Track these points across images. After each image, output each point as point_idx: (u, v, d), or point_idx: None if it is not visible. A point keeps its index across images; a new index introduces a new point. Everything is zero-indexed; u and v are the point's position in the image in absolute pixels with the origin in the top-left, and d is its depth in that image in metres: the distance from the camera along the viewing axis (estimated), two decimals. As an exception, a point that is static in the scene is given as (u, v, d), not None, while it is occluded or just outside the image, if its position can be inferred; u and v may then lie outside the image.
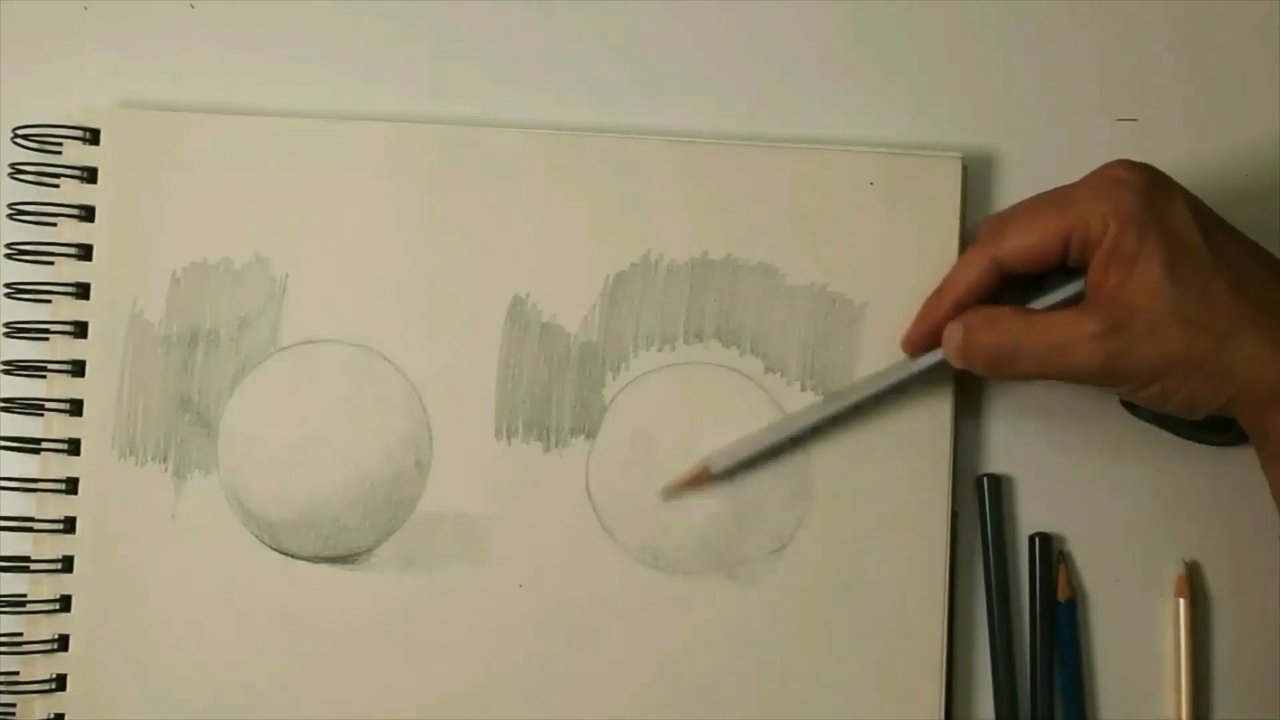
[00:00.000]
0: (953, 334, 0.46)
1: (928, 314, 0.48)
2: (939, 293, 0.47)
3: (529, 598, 0.49)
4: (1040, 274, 0.45)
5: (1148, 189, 0.43)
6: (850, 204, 0.50)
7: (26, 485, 0.50)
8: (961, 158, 0.50)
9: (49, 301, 0.50)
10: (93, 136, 0.51)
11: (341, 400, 0.50)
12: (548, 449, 0.50)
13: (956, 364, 0.46)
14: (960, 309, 0.46)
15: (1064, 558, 0.50)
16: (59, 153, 0.50)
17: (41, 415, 0.50)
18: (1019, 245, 0.44)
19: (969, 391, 0.50)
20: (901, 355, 0.49)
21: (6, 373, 0.50)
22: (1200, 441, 0.50)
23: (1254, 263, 0.43)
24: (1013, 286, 0.46)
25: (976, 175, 0.51)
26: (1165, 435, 0.50)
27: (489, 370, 0.50)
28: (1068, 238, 0.44)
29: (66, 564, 0.49)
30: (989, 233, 0.46)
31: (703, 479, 0.49)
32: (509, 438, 0.50)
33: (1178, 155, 0.51)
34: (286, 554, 0.49)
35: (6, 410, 0.50)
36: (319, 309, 0.50)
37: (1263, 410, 0.42)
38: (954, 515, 0.49)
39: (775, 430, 0.49)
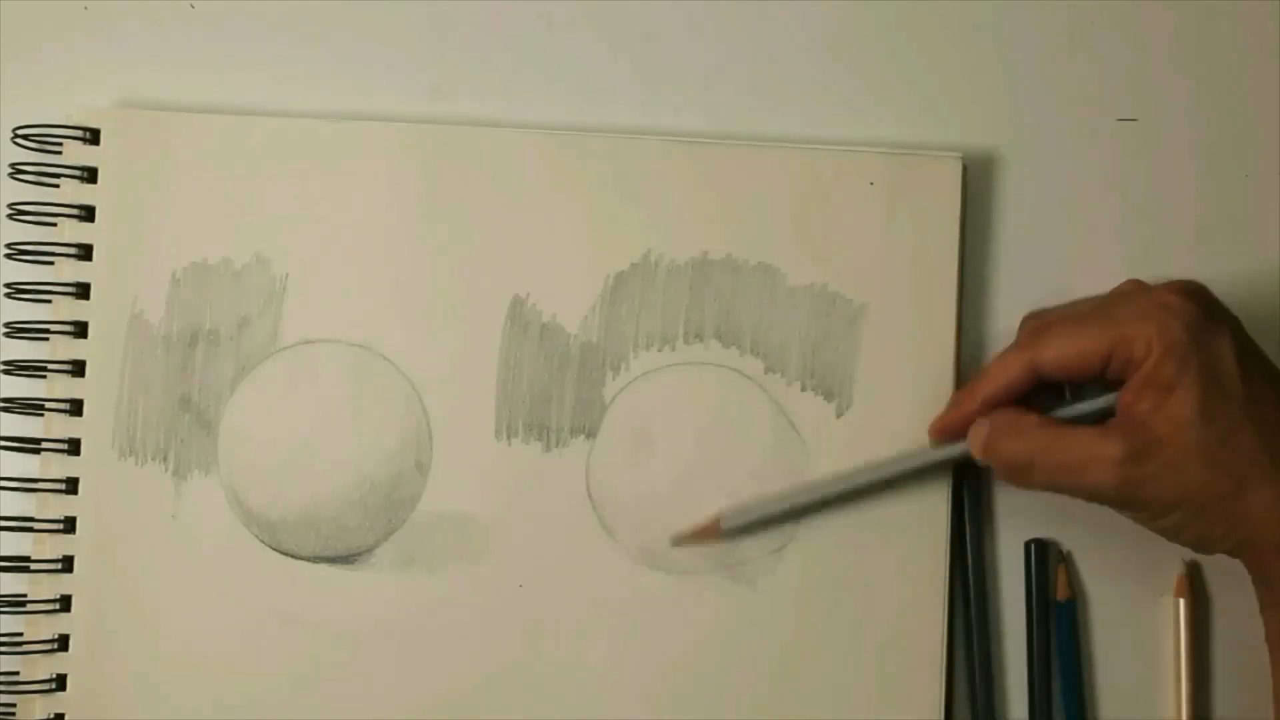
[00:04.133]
0: (977, 434, 0.45)
1: (958, 407, 0.47)
2: (972, 386, 0.46)
3: (529, 598, 0.49)
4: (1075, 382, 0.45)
5: (1196, 320, 0.42)
6: (850, 204, 0.50)
7: (26, 485, 0.50)
8: (962, 158, 0.50)
9: (49, 301, 0.50)
10: (93, 136, 0.51)
11: (341, 400, 0.50)
12: (548, 449, 0.50)
13: (980, 461, 0.46)
14: (990, 407, 0.46)
15: (1065, 558, 0.50)
16: (59, 153, 0.50)
17: (41, 415, 0.50)
18: (1060, 355, 0.44)
19: (969, 391, 0.50)
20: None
21: (6, 373, 0.50)
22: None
23: None
24: (1045, 385, 0.45)
25: (977, 175, 0.51)
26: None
27: (489, 370, 0.50)
28: (1110, 354, 0.43)
29: (66, 564, 0.49)
30: (1030, 335, 0.45)
31: (712, 532, 0.49)
32: (509, 438, 0.50)
33: (1178, 155, 0.51)
34: (286, 554, 0.49)
35: (6, 410, 0.50)
36: (319, 309, 0.50)
37: (1268, 558, 0.43)
38: (954, 515, 0.49)
39: (791, 497, 0.48)
